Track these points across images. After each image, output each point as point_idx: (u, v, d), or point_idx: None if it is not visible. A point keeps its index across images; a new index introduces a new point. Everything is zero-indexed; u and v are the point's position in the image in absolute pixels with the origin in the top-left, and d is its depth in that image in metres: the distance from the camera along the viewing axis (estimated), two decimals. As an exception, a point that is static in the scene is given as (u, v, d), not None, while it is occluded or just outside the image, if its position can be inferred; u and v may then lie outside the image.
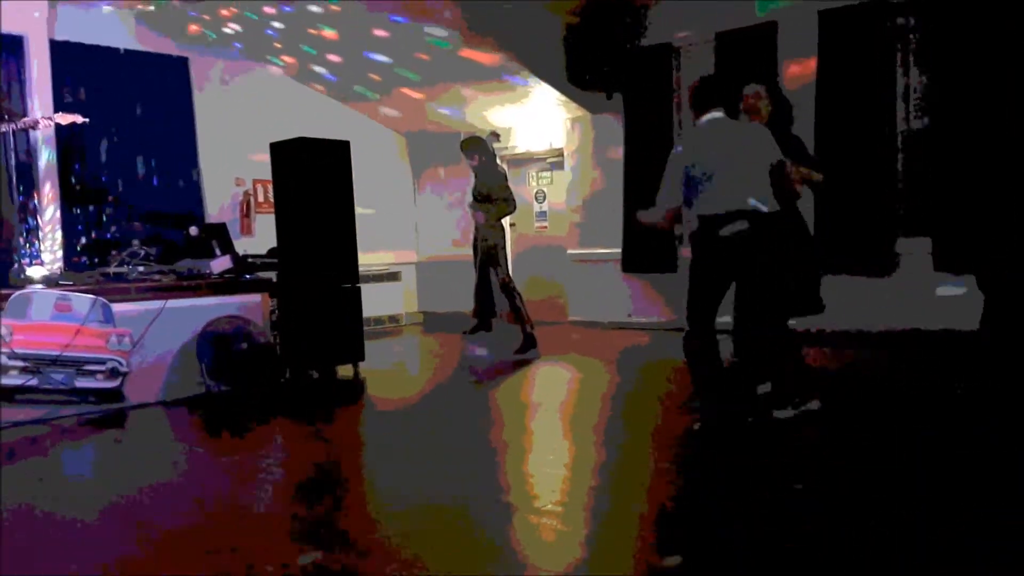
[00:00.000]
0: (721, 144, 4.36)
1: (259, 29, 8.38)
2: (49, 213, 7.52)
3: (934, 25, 6.91)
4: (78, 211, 7.78)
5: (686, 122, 7.99)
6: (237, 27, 8.40)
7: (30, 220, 7.26)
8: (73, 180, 7.72)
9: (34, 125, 5.97)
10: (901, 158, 7.27)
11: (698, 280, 4.40)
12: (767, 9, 7.77)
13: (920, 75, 7.16)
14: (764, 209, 4.25)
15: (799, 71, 7.60)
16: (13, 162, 5.82)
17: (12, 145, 5.83)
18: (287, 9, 7.75)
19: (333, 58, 8.89)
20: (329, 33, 8.27)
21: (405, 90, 9.34)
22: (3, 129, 5.80)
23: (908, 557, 2.65)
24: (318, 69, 9.22)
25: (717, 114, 4.48)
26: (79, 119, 5.95)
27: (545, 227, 10.09)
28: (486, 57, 8.23)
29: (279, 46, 8.81)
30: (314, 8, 7.67)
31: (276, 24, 8.22)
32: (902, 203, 7.28)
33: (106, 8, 7.95)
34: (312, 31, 8.26)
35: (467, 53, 8.22)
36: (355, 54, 8.67)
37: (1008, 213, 6.38)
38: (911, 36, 7.18)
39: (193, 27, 8.43)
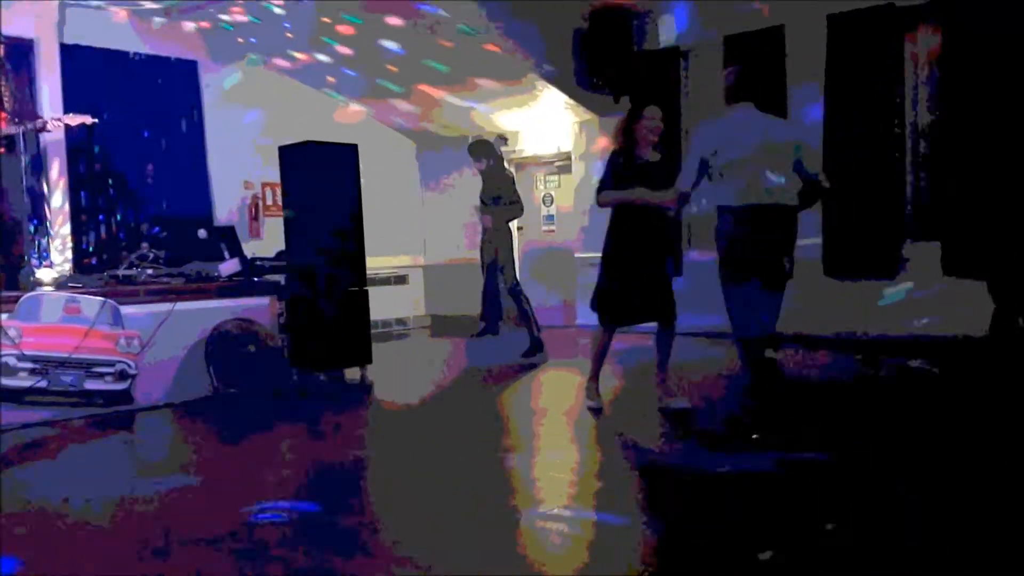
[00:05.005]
0: (749, 137, 4.36)
1: (272, 26, 8.37)
2: (58, 216, 7.56)
3: (942, 29, 6.90)
4: (87, 214, 7.82)
5: (694, 124, 7.99)
6: (244, 18, 8.39)
7: (39, 223, 7.29)
8: (82, 183, 7.76)
9: (43, 127, 5.99)
10: (909, 162, 7.25)
11: (740, 273, 4.37)
12: None
13: (928, 79, 7.14)
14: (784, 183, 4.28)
15: (807, 74, 7.58)
16: (23, 165, 5.83)
17: (22, 148, 5.85)
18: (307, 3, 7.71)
19: (345, 50, 8.82)
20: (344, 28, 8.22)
21: (423, 87, 9.30)
22: (12, 132, 5.82)
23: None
24: (325, 58, 9.08)
25: (748, 106, 4.47)
26: (88, 120, 5.97)
27: (553, 231, 10.08)
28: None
29: (291, 36, 8.66)
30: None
31: (283, 15, 8.16)
32: (910, 207, 7.26)
33: (112, 8, 7.97)
34: (326, 19, 8.12)
35: (490, 46, 8.14)
36: (370, 45, 8.53)
37: (1017, 217, 6.35)
38: (919, 40, 7.16)
39: (203, 25, 8.45)
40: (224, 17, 8.24)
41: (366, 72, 9.09)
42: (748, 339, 4.51)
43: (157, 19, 8.29)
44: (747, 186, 4.33)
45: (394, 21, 7.90)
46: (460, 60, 8.39)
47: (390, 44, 8.40)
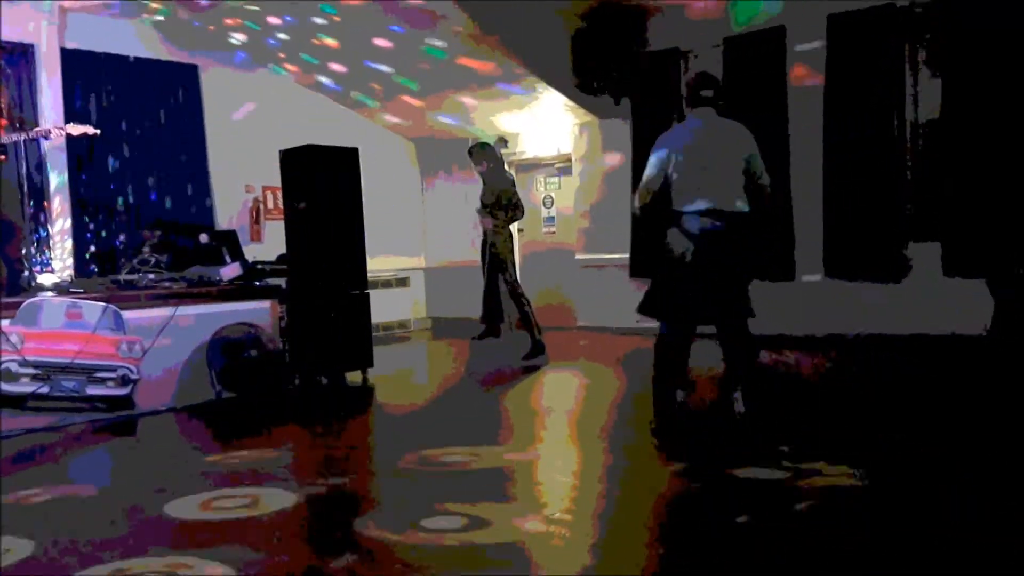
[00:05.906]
0: (703, 142, 4.42)
1: (263, 38, 8.46)
2: (59, 221, 7.57)
3: (942, 29, 6.89)
4: (88, 219, 7.82)
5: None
6: (243, 37, 8.50)
7: (41, 228, 7.30)
8: (83, 188, 7.76)
9: (46, 134, 6.00)
10: (910, 162, 7.25)
11: (687, 277, 4.44)
12: (745, 22, 7.80)
13: (928, 79, 7.13)
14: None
15: (807, 75, 7.59)
16: (24, 171, 5.85)
17: (23, 154, 5.87)
18: (289, 20, 7.80)
19: (336, 67, 8.93)
20: (331, 42, 8.32)
21: (406, 98, 9.38)
22: (14, 139, 5.83)
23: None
24: (321, 79, 9.28)
25: (705, 111, 4.53)
26: (91, 130, 5.97)
27: (553, 232, 10.09)
28: (484, 65, 8.27)
29: (283, 56, 8.90)
30: (318, 20, 7.75)
31: (281, 35, 8.32)
32: (911, 207, 7.25)
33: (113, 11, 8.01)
34: (315, 41, 8.31)
35: (465, 61, 8.26)
36: (357, 63, 8.73)
37: (1018, 217, 6.36)
38: (919, 40, 7.16)
39: (201, 34, 8.50)
40: (225, 22, 8.30)
41: (364, 77, 9.12)
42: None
43: (159, 22, 8.31)
44: (697, 189, 4.40)
45: (382, 42, 8.11)
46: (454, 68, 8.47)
47: (380, 64, 8.63)
